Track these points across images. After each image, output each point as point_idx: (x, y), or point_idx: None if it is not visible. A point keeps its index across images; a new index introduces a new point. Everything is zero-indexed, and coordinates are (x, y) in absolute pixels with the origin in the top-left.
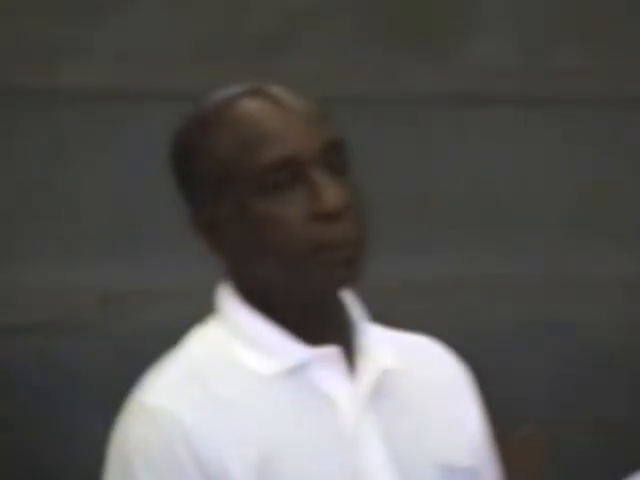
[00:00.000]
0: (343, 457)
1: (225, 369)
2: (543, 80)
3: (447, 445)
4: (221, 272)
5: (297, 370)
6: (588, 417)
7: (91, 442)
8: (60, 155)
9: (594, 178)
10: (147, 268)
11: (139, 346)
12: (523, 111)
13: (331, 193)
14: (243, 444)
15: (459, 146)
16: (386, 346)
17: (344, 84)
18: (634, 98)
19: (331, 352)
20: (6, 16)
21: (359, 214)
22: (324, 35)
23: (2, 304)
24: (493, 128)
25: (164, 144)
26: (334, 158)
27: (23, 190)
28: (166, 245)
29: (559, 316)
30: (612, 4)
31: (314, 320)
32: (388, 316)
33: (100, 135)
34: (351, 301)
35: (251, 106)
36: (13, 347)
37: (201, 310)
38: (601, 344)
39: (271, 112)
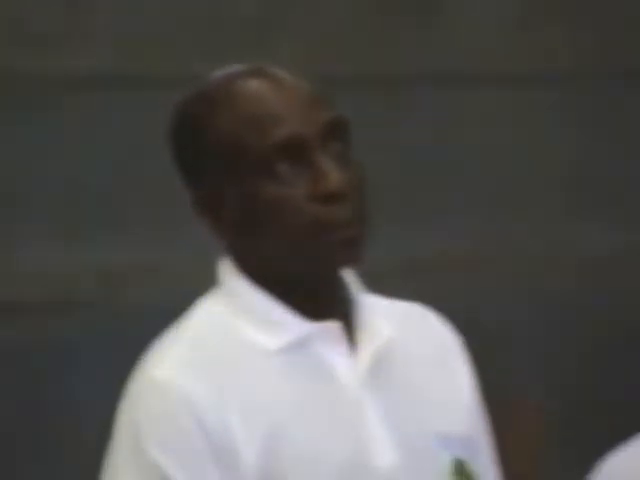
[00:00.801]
0: (346, 429)
1: (229, 343)
2: (527, 58)
3: (444, 414)
4: (222, 250)
5: (299, 345)
6: (585, 387)
7: (93, 421)
8: (58, 138)
9: (579, 154)
10: (147, 247)
11: (139, 326)
12: (510, 91)
13: (335, 174)
14: (250, 417)
15: (442, 126)
16: (383, 318)
17: (331, 66)
18: (619, 73)
19: (333, 327)
20: (3, 0)
21: (362, 195)
22: (315, 19)
23: (1, 284)
24: (478, 108)
25: (163, 127)
26: (336, 139)
27: (21, 172)
28: (167, 224)
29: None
30: None
31: (315, 297)
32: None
33: (99, 119)
34: (349, 276)
35: (253, 85)
36: (13, 327)
37: (202, 289)
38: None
39: (273, 92)
